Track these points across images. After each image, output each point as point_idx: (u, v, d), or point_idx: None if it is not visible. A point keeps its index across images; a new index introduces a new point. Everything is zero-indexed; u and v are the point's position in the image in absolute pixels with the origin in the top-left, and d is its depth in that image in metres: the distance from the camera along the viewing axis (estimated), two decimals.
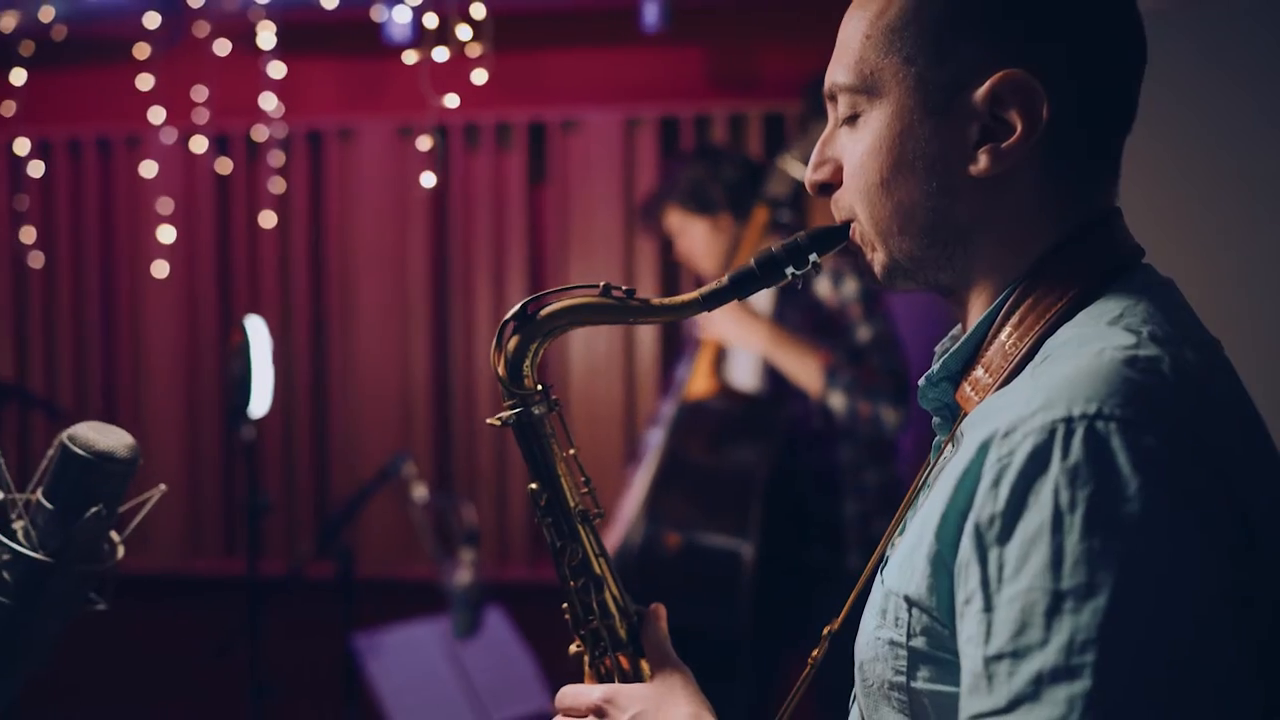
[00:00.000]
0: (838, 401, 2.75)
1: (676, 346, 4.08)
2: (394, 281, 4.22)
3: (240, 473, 4.20)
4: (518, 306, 1.08)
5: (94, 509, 1.11)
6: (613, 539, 3.07)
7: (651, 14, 3.80)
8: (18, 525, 1.14)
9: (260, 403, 2.74)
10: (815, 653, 1.07)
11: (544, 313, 1.08)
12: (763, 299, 2.98)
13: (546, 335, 1.09)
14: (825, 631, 1.06)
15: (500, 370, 1.09)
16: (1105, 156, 0.97)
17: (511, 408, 1.10)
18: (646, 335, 4.11)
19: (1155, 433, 0.80)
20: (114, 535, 1.18)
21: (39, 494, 1.13)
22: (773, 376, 2.98)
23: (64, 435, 1.12)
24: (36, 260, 4.36)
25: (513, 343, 1.09)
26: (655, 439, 3.13)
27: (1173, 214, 2.51)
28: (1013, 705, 0.78)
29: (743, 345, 2.92)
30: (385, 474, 3.15)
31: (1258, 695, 0.80)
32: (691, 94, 4.09)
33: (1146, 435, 0.79)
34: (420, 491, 3.13)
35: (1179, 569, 0.78)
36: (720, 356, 3.10)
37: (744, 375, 3.07)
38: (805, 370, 2.80)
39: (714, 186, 2.97)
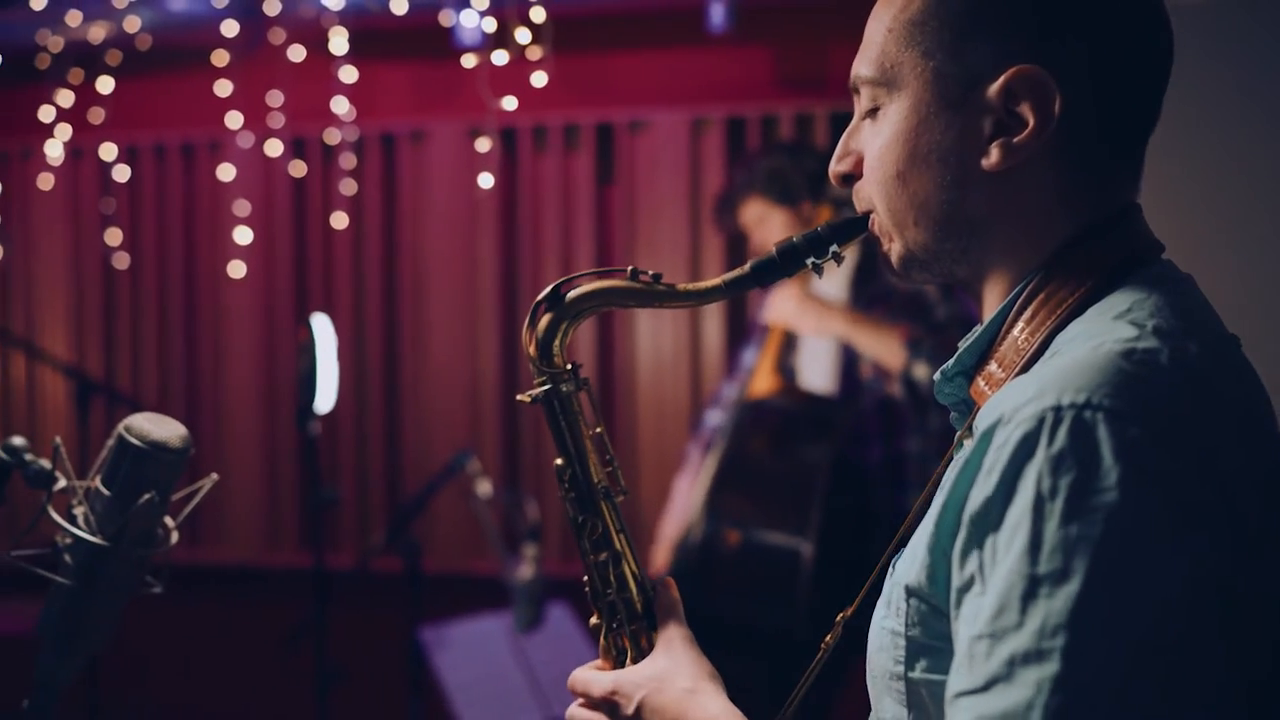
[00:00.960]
0: (922, 371, 2.72)
1: (743, 343, 4.09)
2: (464, 281, 4.29)
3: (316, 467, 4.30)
4: (549, 288, 1.11)
5: (147, 496, 1.16)
6: (673, 528, 3.09)
7: (718, 14, 3.81)
8: (78, 511, 1.20)
9: (325, 399, 2.80)
10: (828, 638, 1.08)
11: (573, 295, 1.11)
12: (835, 288, 2.97)
13: (576, 316, 1.11)
14: (839, 618, 1.08)
15: (531, 349, 1.12)
16: (1124, 154, 0.97)
17: (541, 385, 1.12)
18: (713, 332, 4.13)
19: (1142, 424, 0.80)
20: (168, 521, 1.23)
21: (98, 481, 1.19)
22: (845, 375, 2.97)
23: (121, 425, 1.18)
24: (122, 261, 4.51)
25: (544, 322, 1.11)
26: (715, 419, 3.14)
27: (1203, 209, 2.46)
28: (988, 685, 0.80)
29: (822, 333, 2.90)
30: (450, 470, 3.21)
31: (1242, 689, 0.80)
32: (758, 94, 4.10)
33: (1132, 426, 0.80)
34: (484, 488, 3.18)
35: (1155, 559, 0.78)
36: (783, 355, 3.10)
37: (814, 375, 3.06)
38: (886, 345, 2.77)
39: (796, 176, 2.96)
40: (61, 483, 1.20)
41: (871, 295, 2.91)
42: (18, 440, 1.20)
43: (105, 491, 1.18)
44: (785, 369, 3.10)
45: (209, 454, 4.45)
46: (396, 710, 3.39)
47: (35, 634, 1.22)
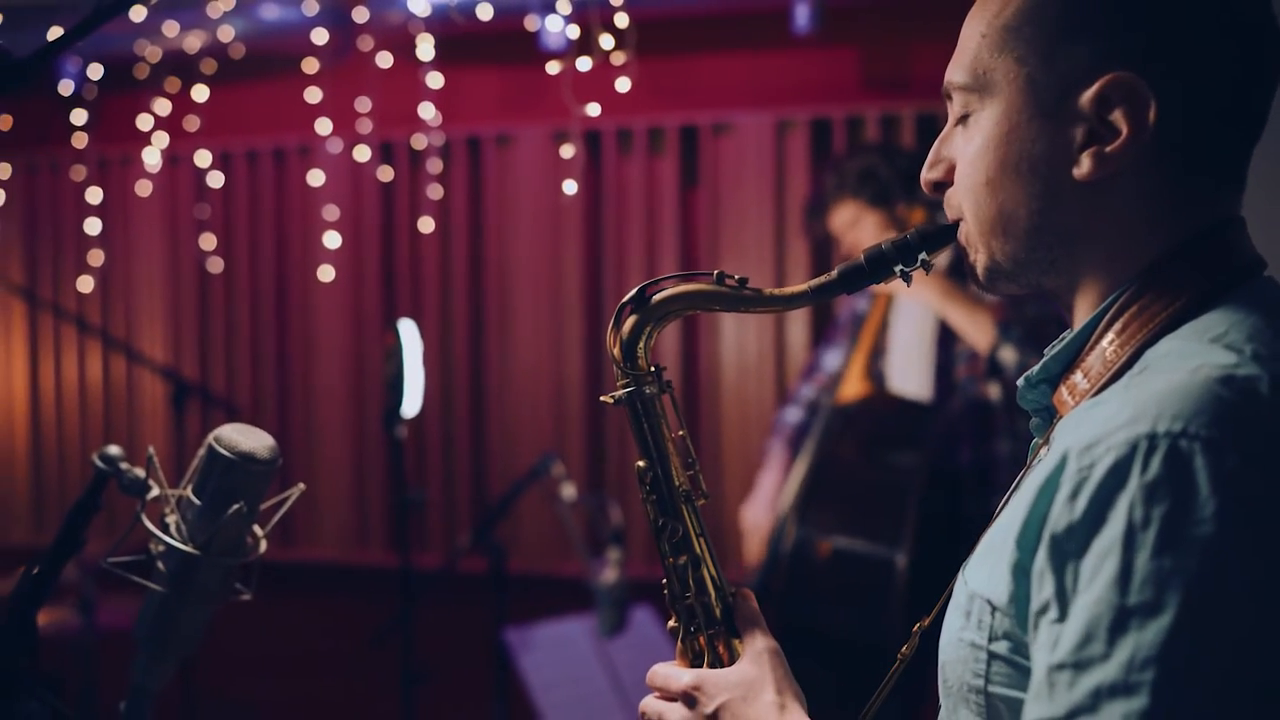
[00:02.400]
0: (1009, 355, 2.68)
1: (824, 344, 4.05)
2: (549, 284, 4.32)
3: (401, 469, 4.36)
4: (635, 290, 1.11)
5: (236, 506, 1.18)
6: (752, 519, 3.07)
7: (803, 15, 3.78)
8: (170, 519, 1.22)
9: (412, 403, 2.84)
10: (904, 649, 1.06)
11: (659, 297, 1.10)
12: (939, 258, 2.91)
13: (661, 319, 1.11)
14: (915, 628, 1.06)
15: (615, 351, 1.11)
16: (1224, 165, 0.94)
17: (624, 387, 1.12)
18: (797, 334, 4.10)
19: (1241, 454, 0.78)
20: (257, 530, 1.25)
21: (189, 490, 1.21)
22: (939, 379, 2.92)
23: (211, 436, 1.20)
24: (216, 265, 4.62)
25: (628, 325, 1.11)
26: (792, 416, 3.10)
27: None
28: (1070, 716, 0.78)
29: (916, 297, 2.85)
30: (534, 473, 3.22)
31: None
32: (843, 95, 4.06)
33: (1231, 456, 0.78)
34: (568, 491, 3.19)
35: (1251, 595, 0.76)
36: (873, 359, 3.05)
37: (906, 380, 3.01)
38: (977, 323, 2.72)
39: (889, 176, 2.89)
40: (155, 491, 1.23)
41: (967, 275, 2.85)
42: (113, 450, 1.23)
43: (196, 501, 1.20)
44: (875, 374, 3.05)
45: (300, 455, 4.54)
46: (480, 710, 3.42)
47: (133, 636, 1.26)
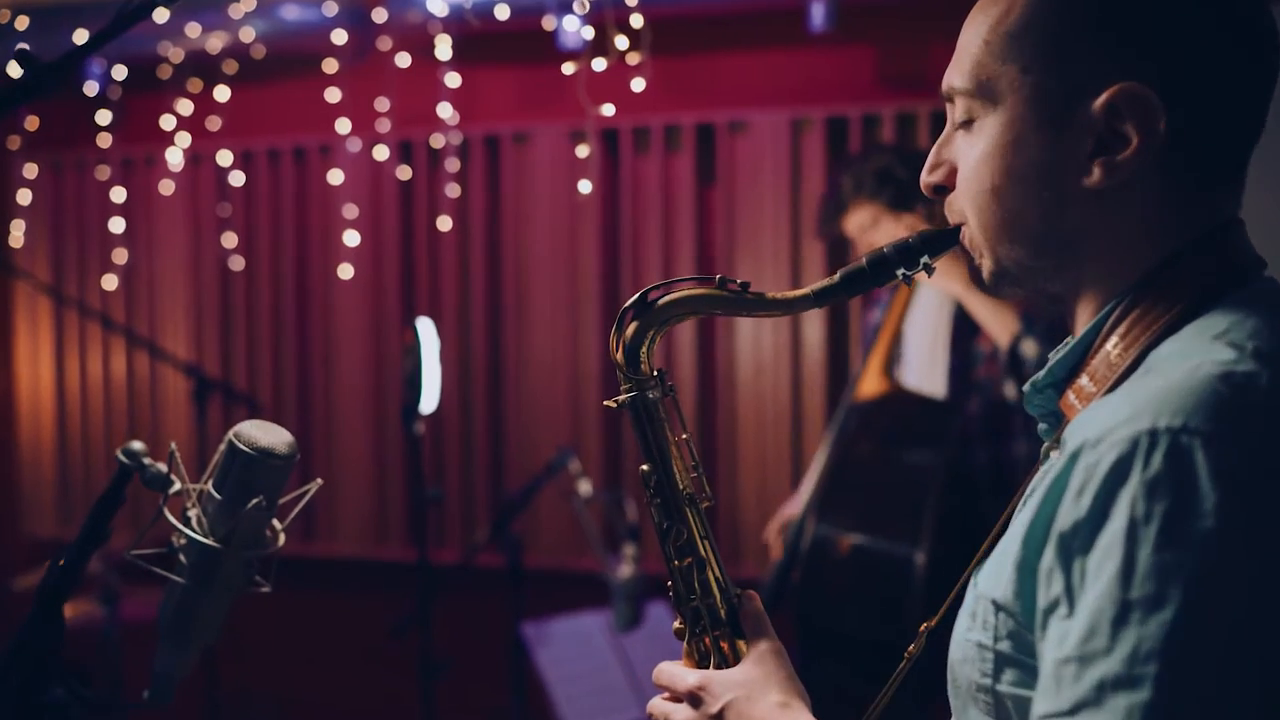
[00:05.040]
0: (1030, 348, 2.67)
1: (844, 348, 4.07)
2: (566, 282, 4.35)
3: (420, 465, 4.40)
4: (637, 295, 1.12)
5: (255, 500, 1.21)
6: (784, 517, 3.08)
7: (819, 14, 3.79)
8: (192, 513, 1.26)
9: (429, 400, 2.87)
10: (911, 649, 1.08)
11: (661, 302, 1.11)
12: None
13: (663, 323, 1.12)
14: (922, 629, 1.08)
15: (618, 356, 1.12)
16: (1226, 168, 0.95)
17: (627, 391, 1.13)
18: (814, 336, 4.11)
19: (1240, 449, 0.79)
20: (276, 523, 1.29)
21: (210, 485, 1.25)
22: (956, 376, 2.92)
23: (231, 432, 1.24)
24: (237, 264, 4.67)
25: (631, 329, 1.12)
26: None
27: None
28: (1075, 709, 0.79)
29: (938, 286, 2.82)
30: (551, 469, 3.26)
31: None
32: (859, 94, 4.07)
33: (1231, 451, 0.79)
34: (585, 486, 3.22)
35: (1251, 588, 0.77)
36: (891, 356, 3.06)
37: (921, 377, 3.01)
38: (1000, 315, 2.71)
39: (906, 177, 2.85)
40: (176, 486, 1.27)
41: None
42: (136, 445, 1.27)
43: (217, 495, 1.24)
44: (894, 371, 3.06)
45: (320, 451, 4.59)
46: (497, 703, 3.46)
47: (155, 627, 1.29)
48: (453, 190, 4.36)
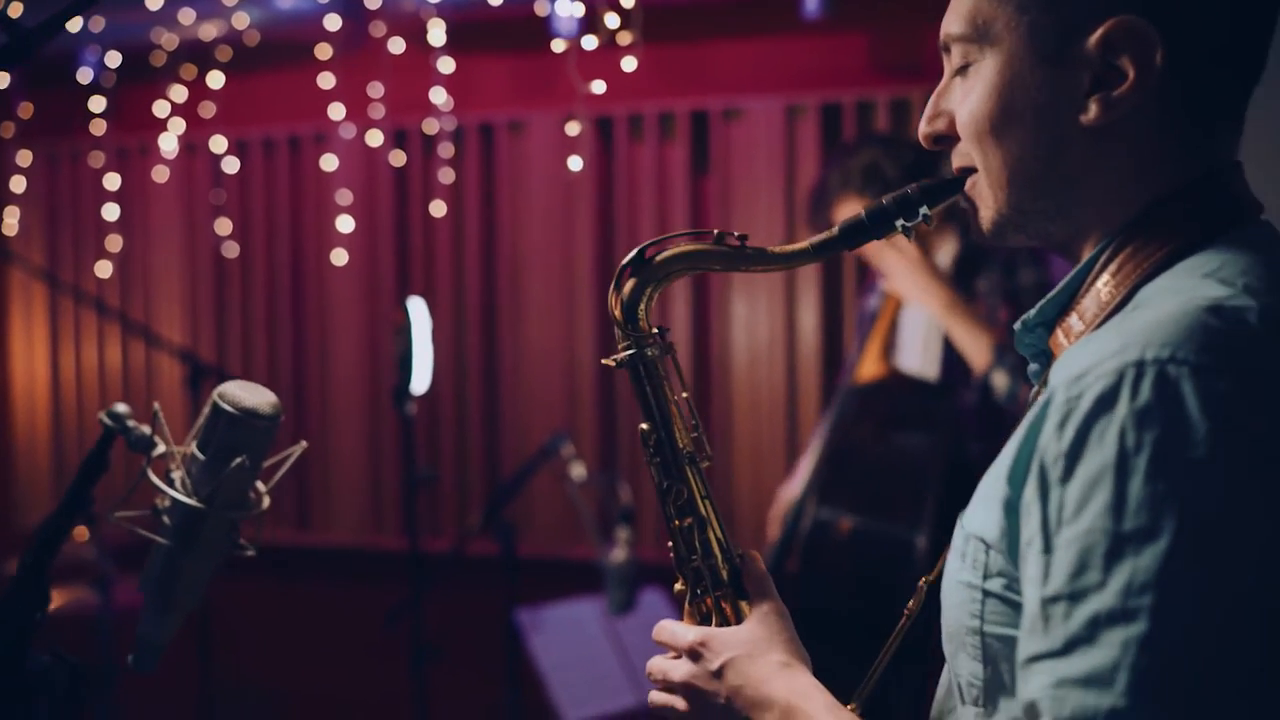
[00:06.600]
0: (1000, 381, 2.67)
1: (839, 332, 4.07)
2: (561, 267, 4.34)
3: (417, 450, 4.40)
4: (634, 251, 1.10)
5: (239, 460, 1.21)
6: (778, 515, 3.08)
7: (813, 0, 3.79)
8: (176, 475, 1.25)
9: (421, 380, 2.87)
10: (910, 604, 1.07)
11: (659, 258, 1.10)
12: (943, 254, 2.90)
13: (662, 279, 1.10)
14: (921, 583, 1.07)
15: (616, 312, 1.11)
16: (1225, 107, 0.94)
17: (626, 349, 1.11)
18: (808, 321, 4.11)
19: (1229, 379, 0.78)
20: (260, 486, 1.28)
21: (193, 446, 1.25)
22: (946, 363, 2.92)
23: (215, 392, 1.23)
24: (232, 250, 4.66)
25: (629, 286, 1.10)
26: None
27: None
28: (1068, 647, 0.78)
29: (919, 300, 2.83)
30: (544, 454, 3.25)
31: None
32: (853, 80, 4.07)
33: (1219, 381, 0.78)
34: (578, 471, 3.22)
35: (1245, 516, 0.76)
36: (890, 340, 3.05)
37: (914, 359, 3.01)
38: (975, 343, 2.70)
39: (892, 171, 2.85)
40: (160, 448, 1.26)
41: (998, 292, 2.83)
42: (120, 407, 1.27)
43: (200, 456, 1.23)
44: (891, 355, 3.06)
45: (315, 438, 4.58)
46: (491, 690, 3.45)
47: (139, 589, 1.29)
48: (446, 176, 4.35)
